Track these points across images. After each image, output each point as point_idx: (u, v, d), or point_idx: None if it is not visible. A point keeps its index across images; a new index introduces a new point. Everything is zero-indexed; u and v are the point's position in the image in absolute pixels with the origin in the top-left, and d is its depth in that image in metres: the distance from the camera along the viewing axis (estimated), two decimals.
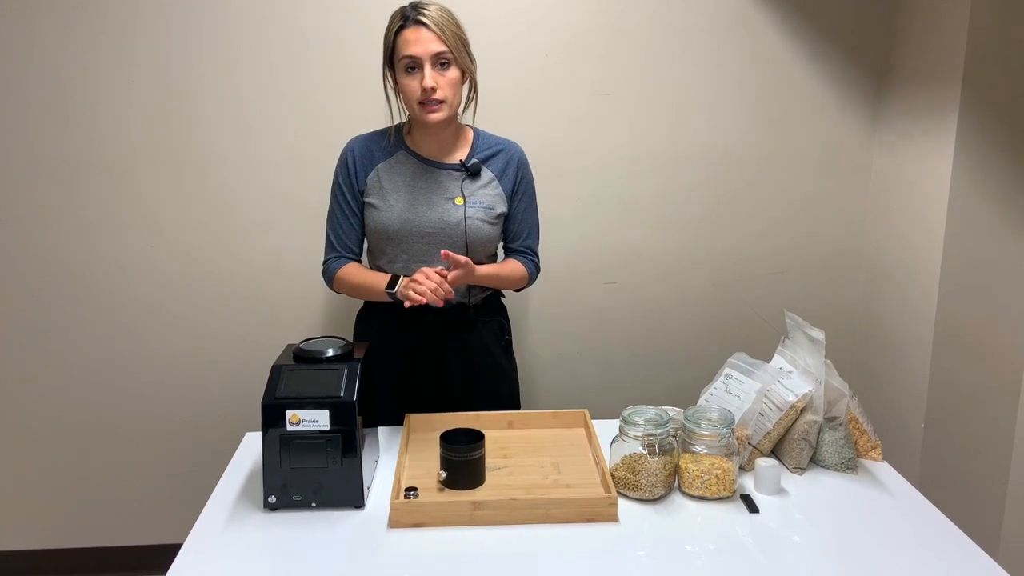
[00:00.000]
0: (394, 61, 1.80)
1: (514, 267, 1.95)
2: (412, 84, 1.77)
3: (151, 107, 2.30)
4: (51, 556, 2.56)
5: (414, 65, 1.76)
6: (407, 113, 1.88)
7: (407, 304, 1.68)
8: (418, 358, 1.92)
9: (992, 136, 2.05)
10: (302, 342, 1.64)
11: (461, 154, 1.89)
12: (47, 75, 2.25)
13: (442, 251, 1.71)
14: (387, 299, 1.78)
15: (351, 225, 1.90)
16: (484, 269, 1.85)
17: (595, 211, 2.46)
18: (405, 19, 1.76)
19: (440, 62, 1.76)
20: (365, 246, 1.97)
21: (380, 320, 1.94)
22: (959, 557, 1.39)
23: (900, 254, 2.35)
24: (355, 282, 1.86)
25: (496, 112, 2.18)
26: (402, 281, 1.75)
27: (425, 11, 1.75)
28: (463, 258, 1.72)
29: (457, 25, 1.79)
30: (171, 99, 2.29)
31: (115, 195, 2.34)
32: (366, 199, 1.87)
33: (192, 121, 2.31)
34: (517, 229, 1.96)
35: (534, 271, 2.00)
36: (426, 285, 1.66)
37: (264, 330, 2.45)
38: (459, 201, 1.85)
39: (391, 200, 1.85)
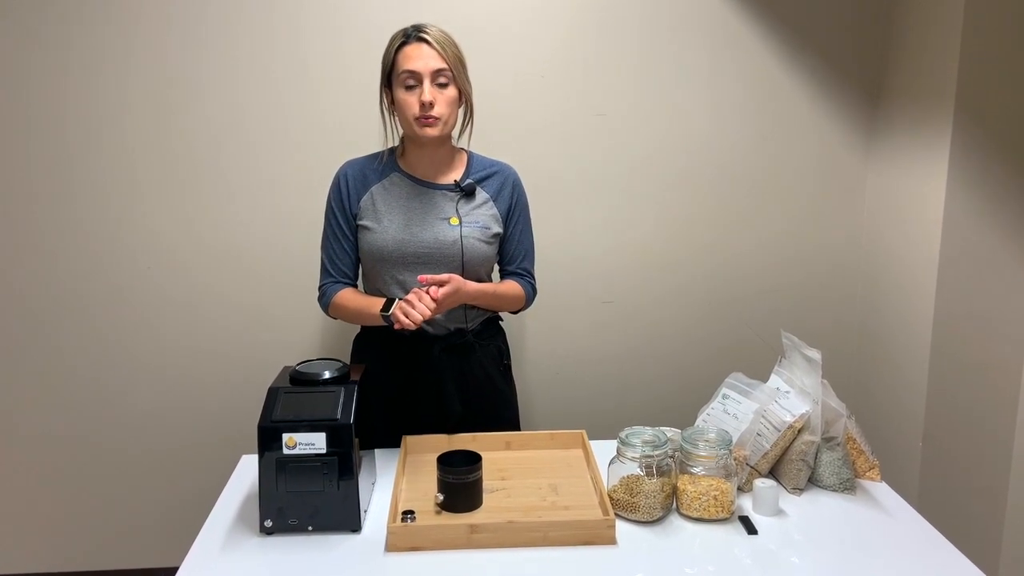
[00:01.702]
0: (392, 78, 1.81)
1: (511, 286, 1.94)
2: (410, 99, 1.78)
3: (150, 127, 2.30)
4: None
5: (413, 81, 1.77)
6: (400, 135, 1.89)
7: (396, 326, 1.68)
8: (416, 384, 1.91)
9: (986, 153, 2.06)
10: (299, 364, 1.63)
11: (455, 175, 1.90)
12: (45, 93, 2.26)
13: (419, 277, 1.72)
14: (384, 323, 1.77)
15: (344, 250, 1.89)
16: (477, 285, 1.82)
17: (590, 230, 2.47)
18: (407, 37, 1.78)
19: (439, 80, 1.77)
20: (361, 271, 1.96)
21: (377, 345, 1.92)
22: None
23: (896, 271, 2.35)
24: (351, 307, 1.86)
25: (490, 132, 2.19)
26: (396, 304, 1.74)
27: (427, 30, 1.78)
28: (444, 276, 1.71)
29: (457, 47, 1.81)
30: (170, 118, 2.30)
31: (115, 212, 2.35)
32: (359, 222, 1.87)
33: (191, 141, 2.32)
34: (513, 251, 1.96)
35: (531, 293, 2.00)
36: (418, 310, 1.66)
37: (261, 352, 2.45)
38: (454, 221, 1.85)
39: (385, 221, 1.84)
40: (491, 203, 1.90)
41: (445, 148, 1.89)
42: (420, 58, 1.76)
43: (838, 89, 2.43)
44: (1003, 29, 2.01)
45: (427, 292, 1.69)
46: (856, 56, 2.41)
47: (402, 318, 1.66)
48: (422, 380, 1.90)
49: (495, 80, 2.32)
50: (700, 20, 2.36)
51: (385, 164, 1.90)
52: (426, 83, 1.76)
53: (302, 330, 2.45)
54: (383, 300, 1.78)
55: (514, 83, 2.35)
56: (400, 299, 1.72)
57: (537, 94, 2.37)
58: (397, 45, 1.79)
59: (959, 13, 2.04)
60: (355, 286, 1.93)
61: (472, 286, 1.80)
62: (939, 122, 2.13)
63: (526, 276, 1.98)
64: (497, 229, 1.90)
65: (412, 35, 1.78)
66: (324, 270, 1.92)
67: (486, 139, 2.08)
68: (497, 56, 2.33)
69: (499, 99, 2.33)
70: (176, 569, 1.42)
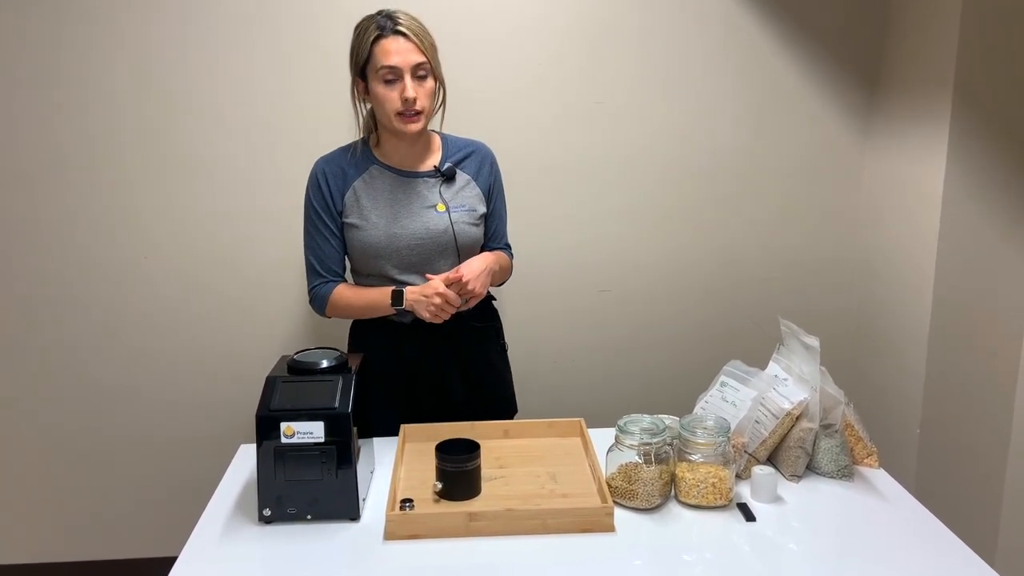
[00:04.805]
0: (368, 71, 1.77)
1: (500, 255, 1.98)
2: (391, 95, 1.75)
3: (145, 118, 2.29)
4: (46, 570, 2.55)
5: (393, 76, 1.74)
6: (370, 125, 1.88)
7: (427, 317, 1.76)
8: (416, 370, 1.91)
9: (984, 140, 2.06)
10: (296, 353, 1.63)
11: (433, 161, 1.88)
12: (37, 85, 2.25)
13: (427, 276, 1.77)
14: (392, 314, 1.81)
15: (333, 248, 1.85)
16: (489, 254, 1.89)
17: (588, 219, 2.46)
18: (382, 29, 1.73)
19: (419, 74, 1.75)
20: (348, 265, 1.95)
21: (375, 333, 1.92)
22: (956, 563, 1.39)
23: (894, 258, 2.35)
24: (353, 304, 1.85)
25: (488, 120, 2.18)
26: (407, 296, 1.77)
27: (401, 20, 1.73)
28: (453, 271, 1.77)
29: (429, 34, 1.78)
30: (165, 110, 2.29)
31: (109, 206, 2.34)
32: (345, 219, 1.84)
33: (186, 132, 2.31)
34: (496, 228, 1.98)
35: (511, 262, 2.06)
36: (448, 310, 1.74)
37: (258, 341, 2.44)
38: (441, 208, 1.84)
39: (373, 217, 1.82)
40: (473, 183, 1.90)
41: (422, 135, 1.87)
42: (399, 53, 1.72)
43: (836, 75, 2.42)
44: (1001, 15, 2.00)
45: (450, 285, 1.75)
46: (855, 42, 2.40)
47: (429, 317, 1.75)
48: (423, 367, 1.91)
49: (493, 66, 2.31)
50: (698, 7, 2.34)
51: (361, 156, 1.86)
52: (407, 78, 1.73)
53: (299, 320, 2.45)
54: (388, 292, 1.79)
55: (512, 70, 2.34)
56: (405, 287, 1.77)
57: (534, 82, 2.35)
58: (372, 38, 1.74)
59: None
60: (345, 281, 1.91)
61: (488, 255, 1.86)
62: (938, 108, 2.12)
63: (508, 249, 2.03)
64: (483, 209, 1.91)
65: (388, 28, 1.73)
66: (312, 270, 1.87)
67: (484, 126, 2.07)
68: (495, 43, 2.31)
69: (497, 85, 2.32)
70: (175, 558, 1.42)
